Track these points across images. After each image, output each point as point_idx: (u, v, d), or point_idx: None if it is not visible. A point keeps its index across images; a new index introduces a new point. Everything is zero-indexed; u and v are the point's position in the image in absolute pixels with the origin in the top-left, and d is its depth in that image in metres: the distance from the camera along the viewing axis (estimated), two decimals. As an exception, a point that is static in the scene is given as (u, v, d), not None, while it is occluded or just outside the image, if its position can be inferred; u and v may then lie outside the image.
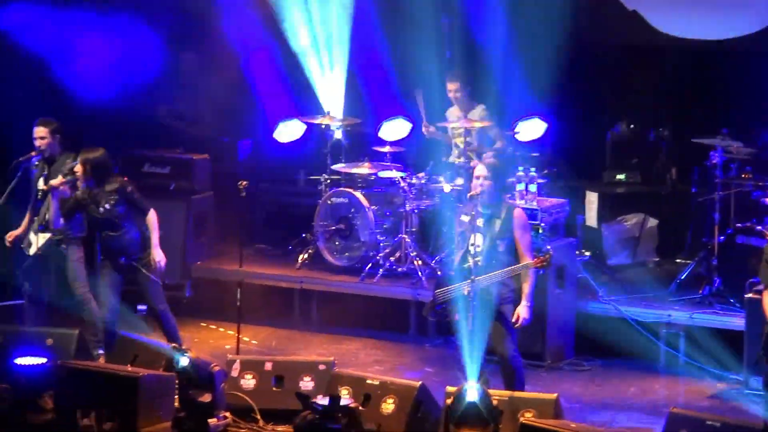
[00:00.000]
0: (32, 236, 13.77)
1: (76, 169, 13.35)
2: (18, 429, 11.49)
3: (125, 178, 13.66)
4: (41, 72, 16.28)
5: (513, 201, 14.03)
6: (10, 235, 13.75)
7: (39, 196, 13.77)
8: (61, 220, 13.62)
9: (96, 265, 13.79)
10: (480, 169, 12.45)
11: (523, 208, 13.47)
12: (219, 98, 17.27)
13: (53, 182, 13.57)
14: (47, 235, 13.73)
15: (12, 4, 16.14)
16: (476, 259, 12.17)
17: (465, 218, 12.47)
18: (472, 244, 12.24)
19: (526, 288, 12.25)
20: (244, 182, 14.53)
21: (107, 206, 13.30)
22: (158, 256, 13.38)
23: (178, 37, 17.09)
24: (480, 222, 12.31)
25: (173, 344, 12.91)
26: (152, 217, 13.48)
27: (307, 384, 12.33)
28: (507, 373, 12.35)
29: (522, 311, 12.22)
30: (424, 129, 15.90)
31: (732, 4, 16.29)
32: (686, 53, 16.52)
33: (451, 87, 15.67)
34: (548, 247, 12.94)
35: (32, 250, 13.76)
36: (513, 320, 12.25)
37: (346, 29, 16.90)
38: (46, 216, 13.72)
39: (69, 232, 13.79)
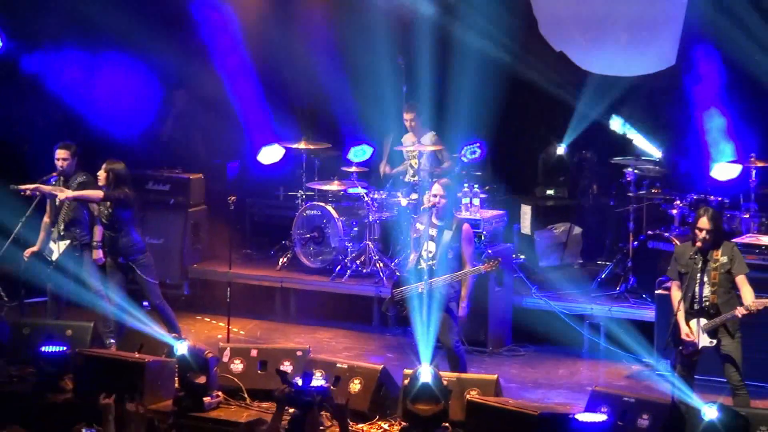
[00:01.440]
0: (53, 244, 13.68)
1: (99, 174, 13.34)
2: (42, 406, 11.47)
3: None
4: (61, 104, 16.25)
5: (460, 214, 14.09)
6: (27, 252, 13.66)
7: (56, 211, 13.65)
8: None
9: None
10: (436, 188, 12.55)
11: (468, 219, 13.58)
12: (210, 127, 17.25)
13: (61, 196, 13.46)
14: (66, 242, 13.68)
15: (37, 49, 16.12)
16: (429, 263, 12.30)
17: (420, 227, 12.57)
18: (426, 250, 12.37)
19: (464, 290, 12.35)
20: (233, 197, 14.55)
21: (109, 210, 13.32)
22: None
23: (174, 76, 16.99)
24: (433, 232, 12.43)
25: (173, 334, 12.95)
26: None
27: (286, 367, 12.21)
28: (452, 359, 12.46)
29: (460, 309, 12.36)
30: (381, 168, 15.98)
31: (642, 47, 16.28)
32: (605, 88, 16.48)
33: (407, 116, 15.67)
34: (499, 258, 12.99)
35: (54, 256, 13.66)
36: (456, 315, 12.37)
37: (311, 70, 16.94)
38: (61, 226, 13.71)
39: (84, 237, 13.78)
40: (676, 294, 11.74)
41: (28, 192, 13.39)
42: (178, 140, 17.10)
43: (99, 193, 13.22)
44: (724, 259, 11.54)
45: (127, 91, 16.52)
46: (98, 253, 13.77)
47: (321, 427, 11.12)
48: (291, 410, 10.43)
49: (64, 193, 13.19)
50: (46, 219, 13.72)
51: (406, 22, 16.11)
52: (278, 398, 10.98)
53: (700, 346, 11.55)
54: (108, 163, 13.30)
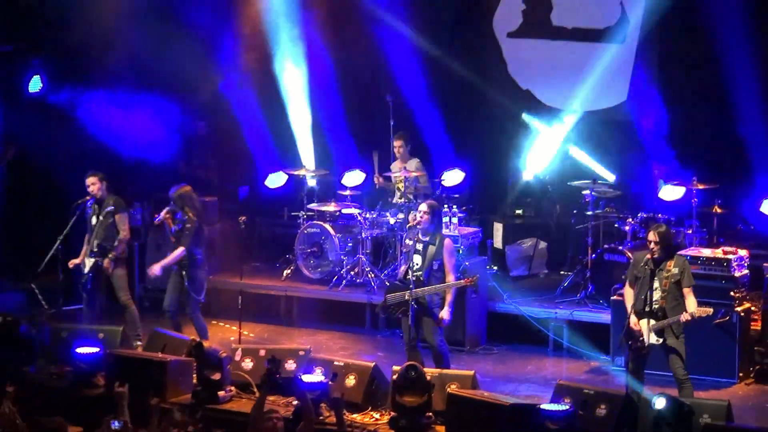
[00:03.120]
0: (87, 260, 13.70)
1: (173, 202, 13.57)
2: (78, 400, 11.46)
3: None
4: (93, 136, 16.19)
5: (443, 231, 14.10)
6: (71, 263, 13.66)
7: (92, 231, 13.69)
8: None
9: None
10: (423, 206, 12.58)
11: (449, 235, 13.57)
12: (223, 155, 17.24)
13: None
14: (93, 260, 13.63)
15: (72, 88, 16.11)
16: (417, 273, 12.33)
17: (409, 242, 12.58)
18: (413, 263, 12.41)
19: (448, 297, 12.32)
20: (243, 217, 14.57)
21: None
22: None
23: (192, 110, 16.98)
24: (420, 246, 12.44)
25: (192, 338, 12.93)
26: None
27: (291, 365, 12.24)
28: (436, 357, 12.43)
29: (444, 314, 12.31)
30: (375, 180, 15.95)
31: (599, 84, 16.27)
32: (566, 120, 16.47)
33: (396, 144, 15.68)
34: (477, 275, 12.99)
35: (87, 269, 13.69)
36: (438, 319, 12.39)
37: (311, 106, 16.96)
38: (93, 245, 13.68)
39: (116, 254, 13.76)
40: (629, 295, 11.80)
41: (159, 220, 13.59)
42: (196, 167, 17.04)
43: (180, 252, 13.30)
44: (675, 271, 11.59)
45: (149, 123, 16.41)
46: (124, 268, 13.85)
47: (320, 417, 11.16)
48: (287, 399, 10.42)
49: (158, 265, 13.33)
50: (87, 236, 13.74)
51: (394, 64, 16.12)
52: (263, 380, 11.02)
53: (647, 342, 11.60)
54: (177, 191, 13.34)
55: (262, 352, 12.29)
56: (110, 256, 13.67)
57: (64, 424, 9.61)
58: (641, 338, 11.61)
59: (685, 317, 11.43)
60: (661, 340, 11.58)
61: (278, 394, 11.10)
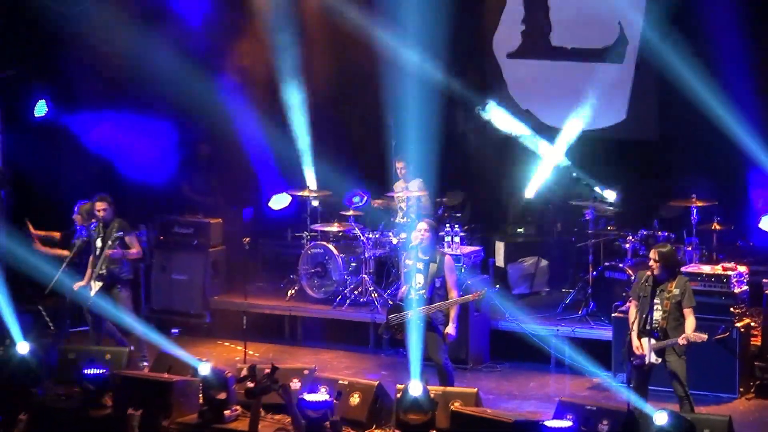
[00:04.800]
0: (93, 283, 13.71)
1: None
2: (85, 420, 11.47)
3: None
4: (97, 158, 16.28)
5: (443, 249, 14.12)
6: (77, 285, 13.67)
7: (96, 254, 13.71)
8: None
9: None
10: (422, 225, 12.62)
11: (451, 254, 13.61)
12: (228, 178, 17.22)
13: (107, 251, 13.60)
14: (100, 284, 13.67)
15: (75, 112, 16.16)
16: (419, 292, 12.35)
17: (409, 262, 12.60)
18: (416, 282, 12.42)
19: (453, 314, 12.36)
20: (247, 238, 14.63)
21: None
22: None
23: (196, 133, 17.04)
24: (420, 265, 12.47)
25: (198, 357, 12.94)
26: None
27: (295, 384, 12.20)
28: (441, 375, 12.45)
29: (450, 330, 12.34)
30: (372, 202, 16.01)
31: (598, 104, 16.22)
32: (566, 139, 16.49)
33: (399, 165, 15.69)
34: (486, 288, 13.02)
35: (93, 293, 13.70)
36: (444, 335, 12.39)
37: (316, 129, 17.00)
38: (99, 268, 13.70)
39: (123, 275, 13.83)
40: (632, 312, 11.82)
41: None
42: (200, 190, 17.07)
43: None
44: (676, 291, 11.63)
45: (155, 147, 16.54)
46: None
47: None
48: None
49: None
50: (92, 258, 13.76)
51: (395, 86, 16.15)
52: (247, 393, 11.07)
53: (648, 361, 11.62)
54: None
55: (267, 371, 12.34)
56: (117, 289, 13.75)
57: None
58: (642, 356, 11.64)
59: (682, 340, 11.48)
60: (659, 360, 11.61)
61: (254, 399, 11.13)
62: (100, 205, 13.71)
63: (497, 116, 16.58)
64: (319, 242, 15.83)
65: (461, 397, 11.89)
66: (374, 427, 11.92)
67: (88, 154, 16.36)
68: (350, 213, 15.95)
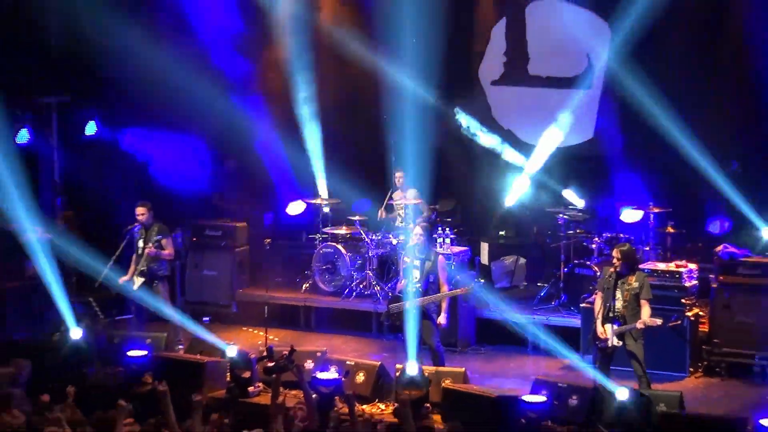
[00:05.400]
0: (135, 278, 13.77)
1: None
2: (128, 396, 11.52)
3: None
4: (140, 171, 16.34)
5: (436, 249, 14.16)
6: (121, 280, 13.71)
7: (139, 253, 13.78)
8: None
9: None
10: (417, 229, 12.72)
11: (443, 253, 13.67)
12: (251, 188, 17.23)
13: (147, 251, 13.69)
14: (142, 279, 13.74)
15: (123, 131, 16.21)
16: (416, 286, 12.43)
17: (407, 260, 12.68)
18: (413, 277, 12.50)
19: (444, 305, 12.45)
20: (268, 240, 14.70)
21: None
22: None
23: (224, 148, 17.01)
24: (417, 263, 12.54)
25: (226, 342, 12.98)
26: None
27: (309, 365, 12.31)
28: (434, 357, 12.54)
29: (442, 319, 12.44)
30: (379, 214, 15.97)
31: (569, 124, 16.27)
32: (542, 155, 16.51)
33: (397, 176, 15.73)
34: (472, 285, 13.07)
35: (136, 287, 13.78)
36: (437, 324, 12.46)
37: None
38: (141, 266, 13.75)
39: (160, 272, 13.89)
40: (598, 303, 11.90)
41: None
42: (228, 198, 17.10)
43: None
44: (635, 285, 11.70)
45: (188, 159, 16.53)
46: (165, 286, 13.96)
47: (335, 408, 11.21)
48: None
49: None
50: (134, 257, 13.81)
51: (396, 108, 16.16)
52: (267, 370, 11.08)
53: (610, 344, 11.69)
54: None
55: (285, 352, 12.41)
56: (156, 284, 13.81)
57: (118, 415, 9.71)
58: (606, 340, 11.72)
59: (639, 324, 11.56)
60: (620, 343, 11.69)
61: (274, 374, 11.14)
62: (140, 210, 13.74)
63: (481, 136, 16.68)
64: (329, 243, 15.87)
65: (451, 375, 11.97)
66: (377, 401, 11.99)
67: (132, 167, 16.38)
68: (356, 218, 15.98)
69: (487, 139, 16.78)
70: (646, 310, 11.62)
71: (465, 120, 16.79)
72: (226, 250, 16.17)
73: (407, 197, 15.46)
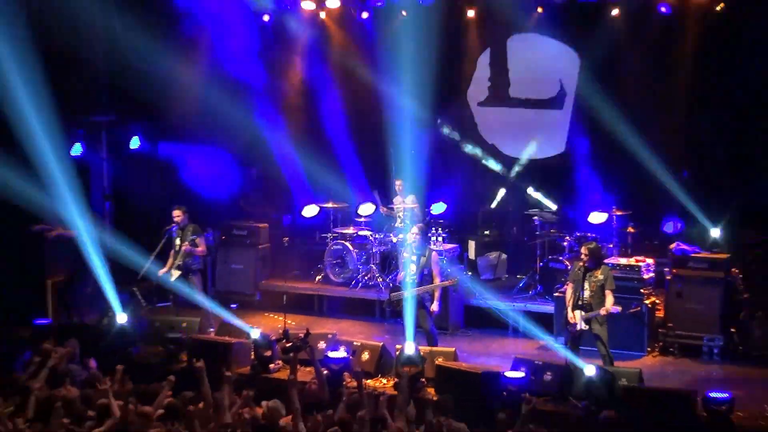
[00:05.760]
0: (173, 271, 13.78)
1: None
2: (167, 372, 11.56)
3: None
4: (177, 179, 16.32)
5: (431, 246, 14.16)
6: (161, 272, 13.72)
7: (176, 249, 13.80)
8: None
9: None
10: (414, 229, 12.76)
11: (436, 250, 13.68)
12: (272, 193, 17.20)
13: (183, 248, 13.73)
14: (178, 272, 13.75)
15: (162, 145, 16.22)
16: (413, 278, 12.45)
17: (406, 255, 12.72)
18: (410, 270, 12.53)
19: (436, 294, 12.49)
20: (286, 238, 14.74)
21: None
22: None
23: (248, 159, 16.99)
24: (414, 258, 12.58)
25: (250, 325, 13.03)
26: None
27: (322, 345, 12.31)
28: (428, 338, 12.55)
29: (434, 307, 12.47)
30: (381, 210, 16.01)
31: (544, 140, 16.36)
32: (521, 165, 16.53)
33: (397, 183, 15.69)
34: (458, 277, 13.10)
35: (173, 278, 13.80)
36: (431, 311, 12.51)
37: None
38: (178, 260, 13.77)
39: (195, 266, 13.91)
40: (568, 293, 11.93)
41: None
42: (252, 202, 17.08)
43: None
44: (601, 277, 11.73)
45: (216, 168, 16.49)
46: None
47: (344, 382, 11.25)
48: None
49: None
50: (172, 253, 13.83)
51: (396, 125, 16.16)
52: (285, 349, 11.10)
53: (578, 328, 11.73)
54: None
55: (301, 335, 12.46)
56: (190, 276, 13.82)
57: (163, 388, 9.79)
58: (575, 324, 11.78)
59: (602, 311, 11.60)
60: (587, 327, 11.73)
61: (291, 353, 11.17)
62: (176, 213, 13.75)
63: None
64: (339, 241, 15.85)
65: (443, 354, 12.00)
66: (379, 376, 12.01)
67: (169, 175, 16.37)
68: (362, 219, 16.00)
69: (473, 151, 16.76)
70: (609, 299, 11.66)
71: (454, 134, 16.78)
72: (250, 247, 16.15)
73: (406, 202, 15.47)
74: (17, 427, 8.60)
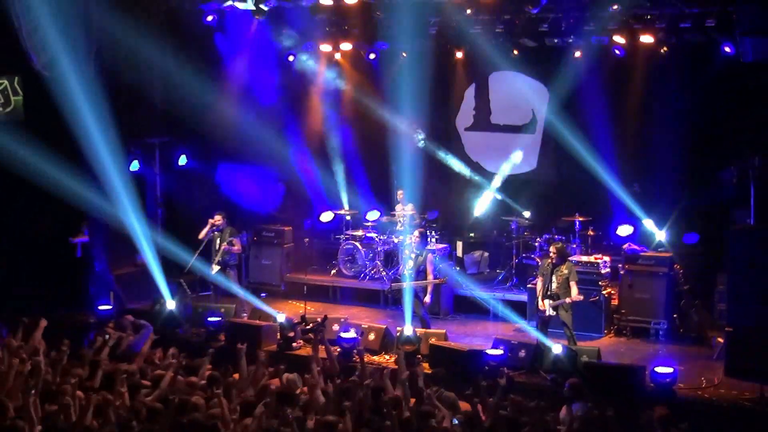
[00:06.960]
0: (213, 266, 13.74)
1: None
2: (206, 349, 11.50)
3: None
4: (218, 191, 16.16)
5: (427, 248, 14.11)
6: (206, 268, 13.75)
7: (216, 248, 13.73)
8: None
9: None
10: (416, 233, 12.79)
11: (431, 251, 13.61)
12: (295, 202, 17.07)
13: (222, 247, 13.64)
14: (218, 267, 13.69)
15: (205, 162, 16.13)
16: (410, 273, 12.45)
17: (406, 254, 12.73)
18: (409, 266, 12.51)
19: (429, 288, 12.47)
20: (307, 239, 14.68)
21: None
22: None
23: (276, 173, 16.78)
24: (412, 257, 12.56)
25: (277, 311, 13.00)
26: None
27: (335, 328, 12.31)
28: (423, 322, 12.54)
29: (426, 299, 12.48)
30: (384, 219, 15.98)
31: (520, 158, 16.26)
32: (501, 180, 16.41)
33: (399, 193, 15.65)
34: (447, 276, 13.02)
35: (213, 272, 13.75)
36: (423, 301, 12.45)
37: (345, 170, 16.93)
38: (218, 257, 13.72)
39: (231, 261, 13.86)
40: (539, 284, 11.91)
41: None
42: (279, 209, 16.99)
43: None
44: (566, 271, 11.73)
45: (253, 183, 16.42)
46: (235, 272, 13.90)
47: (354, 359, 11.21)
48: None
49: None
50: (213, 250, 13.77)
51: (397, 146, 16.11)
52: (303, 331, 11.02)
53: (547, 314, 11.71)
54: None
55: (319, 320, 12.42)
56: (228, 270, 13.74)
57: (203, 362, 9.77)
58: (544, 311, 11.74)
59: (568, 300, 11.57)
60: (555, 313, 11.71)
61: (309, 334, 11.12)
62: (217, 218, 13.74)
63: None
64: (350, 241, 15.80)
65: (436, 335, 12.01)
66: (383, 353, 12.02)
67: (212, 187, 16.23)
68: (369, 224, 15.94)
69: (461, 168, 16.73)
70: (574, 290, 11.64)
71: (444, 153, 16.76)
72: (277, 246, 16.07)
73: (406, 209, 15.42)
74: (81, 397, 8.54)
